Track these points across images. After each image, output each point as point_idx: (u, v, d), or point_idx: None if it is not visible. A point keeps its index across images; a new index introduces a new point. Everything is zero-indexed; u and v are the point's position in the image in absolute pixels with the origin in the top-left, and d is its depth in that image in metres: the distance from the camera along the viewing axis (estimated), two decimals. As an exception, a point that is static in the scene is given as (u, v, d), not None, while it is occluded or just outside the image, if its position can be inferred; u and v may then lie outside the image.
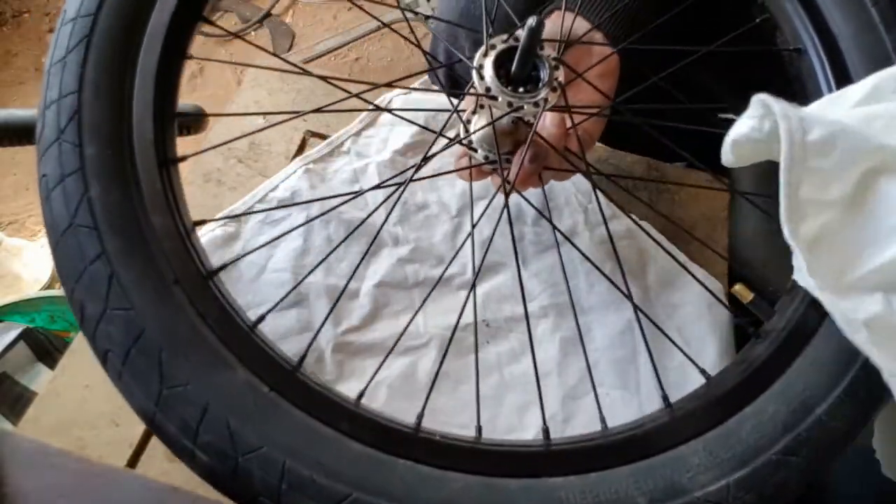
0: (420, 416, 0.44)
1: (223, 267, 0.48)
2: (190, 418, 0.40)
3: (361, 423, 0.43)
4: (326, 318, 0.55)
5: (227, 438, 0.40)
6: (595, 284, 0.68)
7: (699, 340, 0.64)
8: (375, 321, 0.66)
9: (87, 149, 0.44)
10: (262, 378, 0.42)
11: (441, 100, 0.79)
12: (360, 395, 0.45)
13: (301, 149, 0.78)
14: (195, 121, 0.70)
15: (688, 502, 0.39)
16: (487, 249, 0.62)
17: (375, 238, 0.58)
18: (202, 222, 0.50)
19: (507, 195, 0.54)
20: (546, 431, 0.45)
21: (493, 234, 0.59)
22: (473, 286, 0.53)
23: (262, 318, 0.46)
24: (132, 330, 0.41)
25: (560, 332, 0.66)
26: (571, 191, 0.74)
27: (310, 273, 0.60)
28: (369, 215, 0.56)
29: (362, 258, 0.59)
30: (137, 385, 0.41)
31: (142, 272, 0.43)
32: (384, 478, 0.40)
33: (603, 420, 0.46)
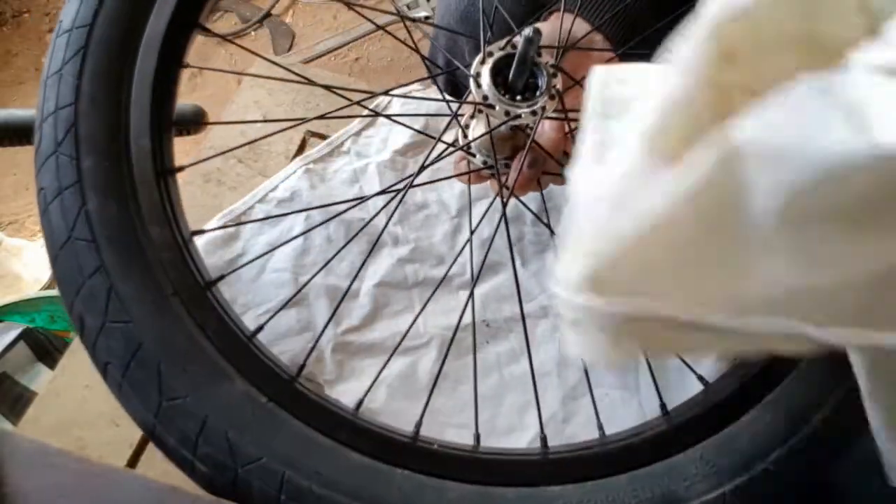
0: (418, 425, 0.44)
1: (221, 277, 0.48)
2: (189, 430, 0.40)
3: (360, 432, 0.43)
4: (327, 325, 0.55)
5: (226, 450, 0.40)
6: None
7: (699, 341, 0.64)
8: (375, 321, 0.66)
9: (84, 161, 0.44)
10: (261, 389, 0.43)
11: (440, 102, 0.79)
12: (359, 403, 0.45)
13: (301, 149, 0.78)
14: (194, 122, 0.70)
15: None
16: (488, 251, 0.62)
17: (376, 242, 0.58)
18: (200, 232, 0.50)
19: (504, 203, 0.53)
20: (544, 440, 0.45)
21: (494, 234, 0.59)
22: (472, 292, 0.53)
23: (260, 328, 0.46)
24: (131, 343, 0.41)
25: (560, 332, 0.66)
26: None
27: (308, 282, 0.60)
28: (369, 221, 0.56)
29: (364, 260, 0.59)
30: (137, 397, 0.42)
31: (140, 285, 0.43)
32: (382, 487, 0.41)
33: (601, 427, 0.46)
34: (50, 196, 0.44)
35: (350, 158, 0.76)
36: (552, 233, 0.59)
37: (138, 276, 0.43)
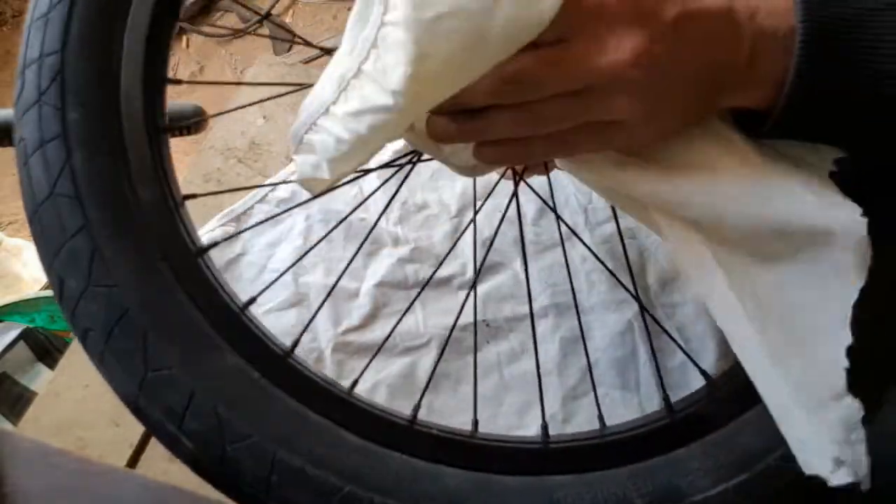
0: (416, 408, 0.43)
1: (214, 245, 0.45)
2: (175, 404, 0.38)
3: (356, 413, 0.41)
4: (320, 307, 0.53)
5: (214, 426, 0.38)
6: (595, 284, 0.68)
7: (699, 340, 0.64)
8: (375, 321, 0.66)
9: (70, 113, 0.41)
10: (253, 363, 0.40)
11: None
12: (354, 383, 0.44)
13: (301, 149, 0.78)
14: (195, 121, 0.70)
15: None
16: (489, 250, 0.62)
17: (374, 228, 0.57)
18: (192, 196, 0.47)
19: (516, 182, 0.52)
20: (545, 428, 0.44)
21: (495, 233, 0.59)
22: (475, 284, 0.53)
23: (252, 300, 0.44)
24: (115, 308, 0.39)
25: (560, 332, 0.66)
26: (571, 191, 0.74)
27: (284, 272, 0.58)
28: (370, 215, 0.54)
29: (356, 253, 0.57)
30: (120, 367, 0.39)
31: (127, 248, 0.40)
32: (379, 472, 0.39)
33: (601, 419, 0.46)
34: (31, 148, 0.40)
35: (350, 158, 0.76)
36: (558, 217, 0.58)
37: (125, 239, 0.40)
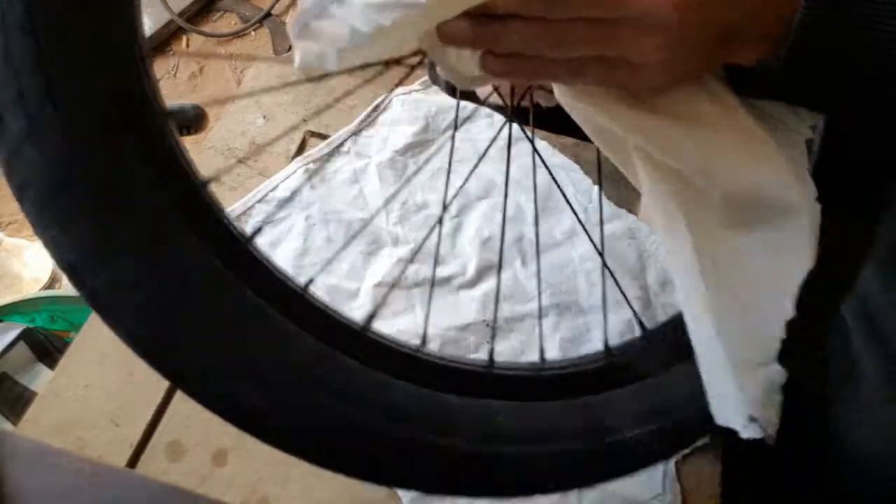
0: (370, 317, 0.41)
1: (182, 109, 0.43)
2: (123, 276, 0.34)
3: (309, 310, 0.39)
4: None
5: (165, 304, 0.35)
6: (595, 285, 0.69)
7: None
8: (375, 321, 0.66)
9: None
10: (210, 245, 0.37)
11: (441, 101, 0.79)
12: (309, 281, 0.41)
13: (301, 149, 0.78)
14: (195, 120, 0.70)
15: (617, 441, 0.40)
16: (433, 238, 0.59)
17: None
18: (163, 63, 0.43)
19: (513, 109, 0.50)
20: (491, 353, 0.43)
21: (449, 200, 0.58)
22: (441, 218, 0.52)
23: (216, 178, 0.40)
24: (64, 162, 0.34)
25: (560, 332, 0.66)
26: (571, 191, 0.74)
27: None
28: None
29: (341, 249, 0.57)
30: (63, 231, 0.34)
31: (85, 96, 0.34)
32: (332, 374, 0.38)
33: (542, 352, 0.46)
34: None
35: (350, 158, 0.76)
36: (545, 166, 0.56)
37: (82, 86, 0.34)
